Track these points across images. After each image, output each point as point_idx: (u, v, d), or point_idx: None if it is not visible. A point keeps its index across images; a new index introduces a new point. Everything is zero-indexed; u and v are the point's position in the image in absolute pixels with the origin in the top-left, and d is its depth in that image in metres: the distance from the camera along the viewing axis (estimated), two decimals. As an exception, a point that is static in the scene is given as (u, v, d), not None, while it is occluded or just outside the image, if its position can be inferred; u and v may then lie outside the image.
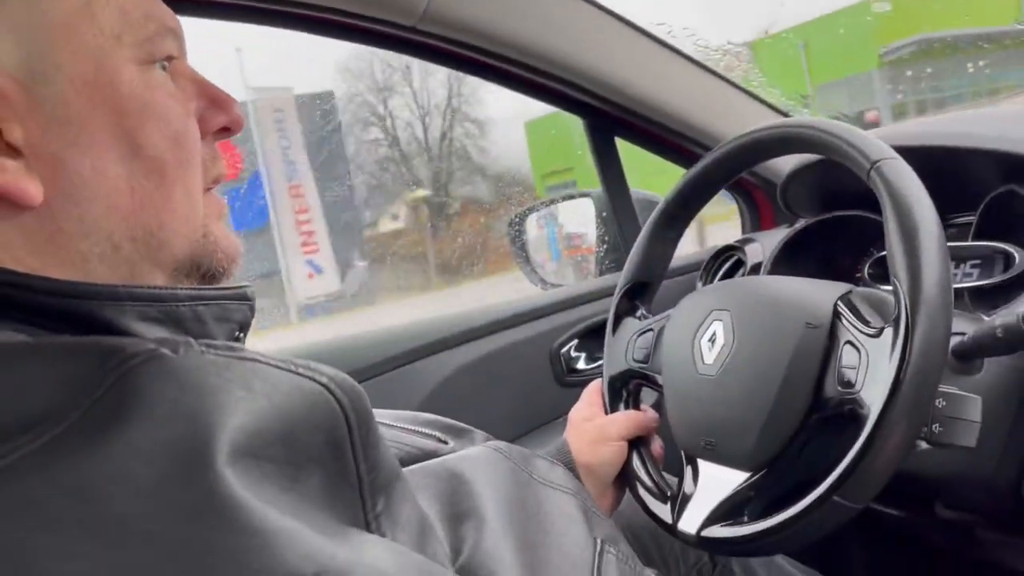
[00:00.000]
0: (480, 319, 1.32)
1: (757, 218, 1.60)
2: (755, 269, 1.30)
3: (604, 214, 1.54)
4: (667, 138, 1.41)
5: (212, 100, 0.57)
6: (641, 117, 1.35)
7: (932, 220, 0.71)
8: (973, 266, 1.01)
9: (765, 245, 1.32)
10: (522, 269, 1.64)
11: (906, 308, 0.67)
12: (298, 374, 0.45)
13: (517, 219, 1.62)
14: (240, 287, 0.55)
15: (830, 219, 1.22)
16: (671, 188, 1.00)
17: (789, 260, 1.25)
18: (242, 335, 0.55)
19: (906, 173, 0.74)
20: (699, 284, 1.41)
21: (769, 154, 0.93)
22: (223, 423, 0.39)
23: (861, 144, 0.77)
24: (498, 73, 1.26)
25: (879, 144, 0.77)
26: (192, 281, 0.55)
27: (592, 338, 1.39)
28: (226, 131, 0.59)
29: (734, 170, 0.97)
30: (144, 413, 0.38)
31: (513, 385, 1.32)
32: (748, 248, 1.34)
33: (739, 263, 1.37)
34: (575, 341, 1.38)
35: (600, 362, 1.19)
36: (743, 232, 1.62)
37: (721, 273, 1.39)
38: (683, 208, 0.99)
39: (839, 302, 0.76)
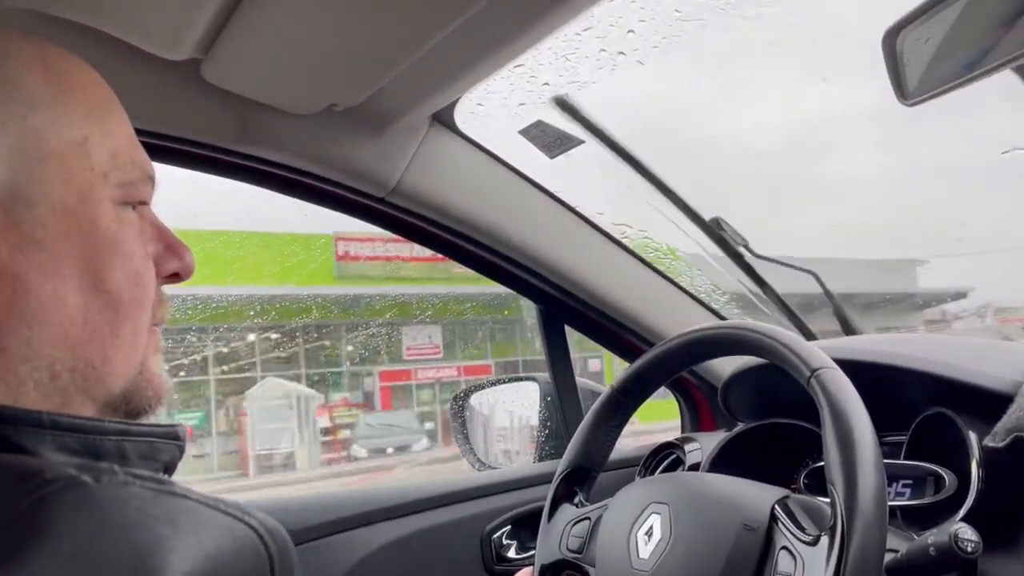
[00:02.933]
0: (412, 494, 1.27)
1: (697, 419, 1.61)
2: (693, 468, 1.30)
3: (548, 399, 1.54)
4: (614, 330, 1.44)
5: (168, 246, 0.59)
6: (591, 308, 1.39)
7: (868, 433, 0.73)
8: (905, 485, 1.03)
9: (704, 446, 1.33)
10: (460, 447, 1.61)
11: (842, 518, 0.67)
12: (229, 514, 0.43)
13: (462, 395, 1.61)
14: (171, 425, 0.53)
15: (768, 425, 1.24)
16: (617, 377, 1.02)
17: (727, 463, 1.26)
18: (166, 476, 0.53)
19: (844, 384, 0.77)
20: (637, 478, 1.39)
21: (713, 353, 0.96)
22: (139, 565, 0.36)
23: (802, 352, 0.80)
24: (459, 251, 1.31)
25: (819, 353, 0.80)
26: (118, 415, 0.53)
27: (525, 525, 1.35)
28: (176, 277, 0.61)
29: (679, 365, 1.00)
30: (49, 547, 0.35)
31: (439, 568, 1.26)
32: (687, 447, 1.34)
33: (678, 461, 1.37)
34: (508, 527, 1.34)
35: (532, 552, 1.15)
36: (682, 431, 1.63)
37: (660, 470, 1.39)
38: (627, 397, 1.00)
39: (776, 506, 0.76)
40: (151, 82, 0.97)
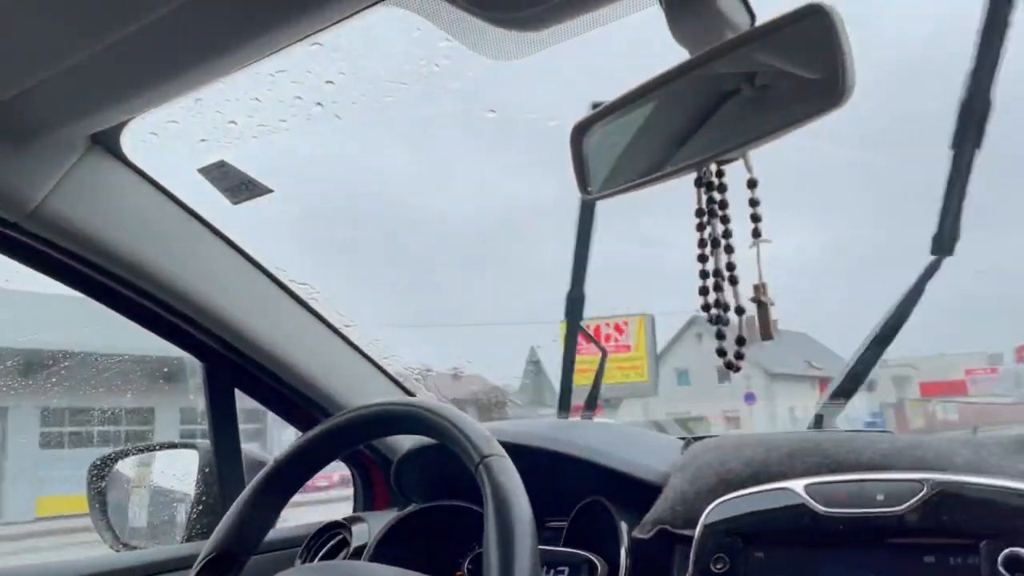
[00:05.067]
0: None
1: (371, 496, 1.54)
2: (359, 551, 1.22)
3: (207, 469, 1.38)
4: (290, 397, 1.33)
5: None
6: (265, 371, 1.27)
7: (528, 527, 0.73)
8: (560, 571, 1.04)
9: (373, 526, 1.26)
10: (95, 522, 1.38)
11: None
12: None
13: (100, 463, 1.39)
14: None
15: (439, 507, 1.21)
16: (282, 451, 0.94)
17: (395, 545, 1.20)
18: None
19: (511, 474, 0.76)
20: (297, 562, 1.28)
21: (387, 431, 0.93)
22: None
23: (474, 436, 0.79)
24: (110, 295, 1.12)
25: (490, 439, 0.79)
26: None
27: (161, 617, 1.17)
28: None
29: (352, 441, 0.95)
30: None
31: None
32: (355, 528, 1.27)
33: (344, 543, 1.29)
34: (138, 620, 1.15)
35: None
36: (354, 509, 1.55)
37: (323, 552, 1.29)
38: (293, 471, 0.92)
39: (431, 601, 0.72)
40: None
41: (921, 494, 0.73)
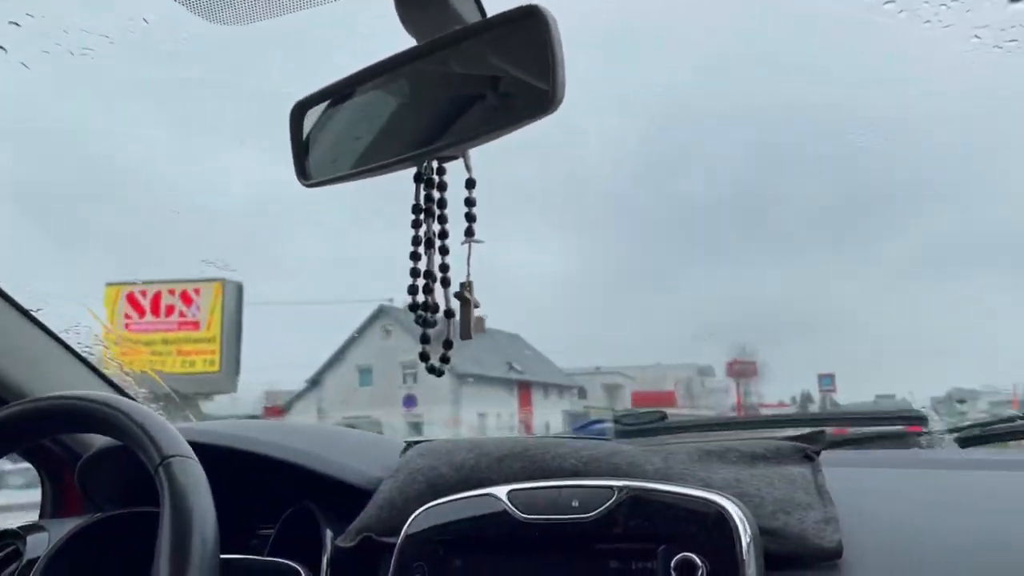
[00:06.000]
0: None
1: (62, 500, 1.37)
2: (31, 565, 1.06)
3: None
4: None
5: None
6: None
7: (208, 533, 0.69)
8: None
9: (54, 536, 1.11)
10: None
11: None
12: None
13: None
14: None
15: (131, 514, 1.09)
16: None
17: (78, 558, 1.06)
18: None
19: (193, 476, 0.71)
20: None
21: (52, 428, 0.83)
22: None
23: (156, 435, 0.73)
24: None
25: (176, 439, 0.73)
26: None
27: None
28: None
29: (16, 439, 0.83)
30: None
31: None
32: (31, 538, 1.11)
33: (17, 554, 1.12)
34: None
35: None
36: (41, 515, 1.37)
37: (-13, 567, 1.12)
38: None
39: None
40: None
41: (611, 501, 0.75)
